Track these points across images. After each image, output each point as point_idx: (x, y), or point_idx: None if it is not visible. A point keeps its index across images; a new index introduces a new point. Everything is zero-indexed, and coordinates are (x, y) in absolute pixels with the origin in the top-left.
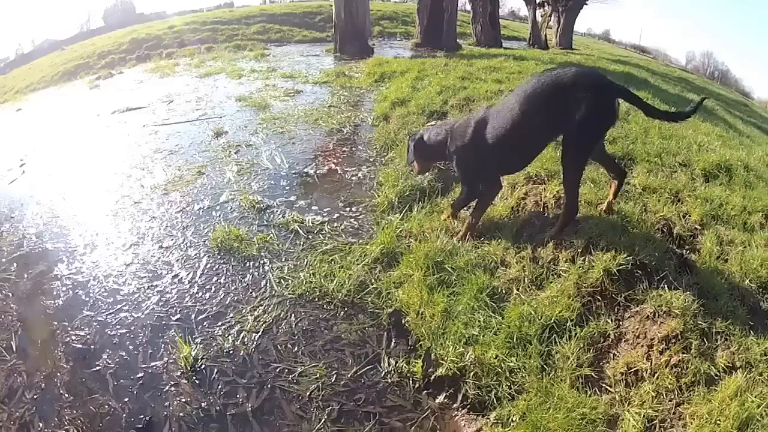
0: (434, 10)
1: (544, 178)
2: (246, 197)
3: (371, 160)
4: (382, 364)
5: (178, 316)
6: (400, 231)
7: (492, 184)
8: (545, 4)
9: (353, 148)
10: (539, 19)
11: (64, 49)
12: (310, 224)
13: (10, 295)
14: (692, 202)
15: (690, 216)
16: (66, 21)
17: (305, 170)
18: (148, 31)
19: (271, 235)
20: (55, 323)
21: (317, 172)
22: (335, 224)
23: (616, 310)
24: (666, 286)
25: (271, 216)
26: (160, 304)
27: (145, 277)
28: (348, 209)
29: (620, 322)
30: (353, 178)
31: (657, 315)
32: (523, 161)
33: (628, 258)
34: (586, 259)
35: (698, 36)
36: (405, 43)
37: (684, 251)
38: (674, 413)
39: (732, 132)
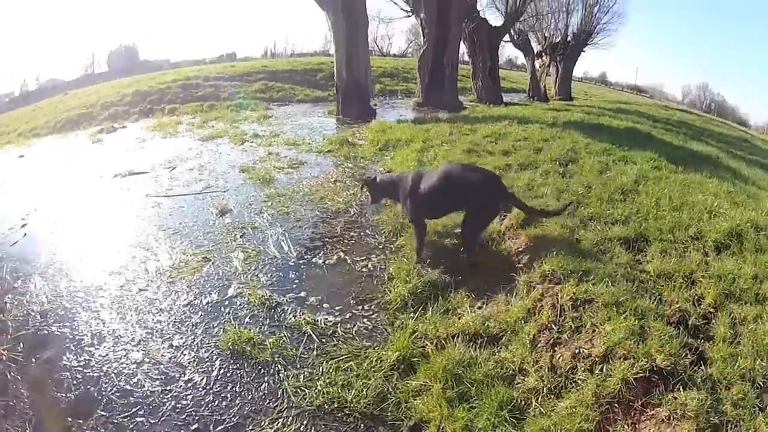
0: (435, 67)
1: (560, 277)
2: (255, 292)
3: (380, 247)
4: None
5: (196, 425)
6: (416, 334)
7: (420, 225)
8: (543, 54)
9: (361, 233)
10: (537, 68)
11: (67, 93)
12: (323, 325)
13: (19, 378)
14: (706, 283)
15: (704, 299)
16: (70, 61)
17: (314, 260)
18: (151, 84)
19: (284, 338)
20: (70, 419)
21: (326, 262)
22: (348, 325)
23: (632, 414)
24: (681, 387)
25: (282, 315)
26: (177, 410)
27: (158, 379)
28: (360, 307)
29: (636, 426)
30: (363, 269)
31: (672, 418)
32: (438, 214)
33: (645, 366)
34: (604, 368)
35: (693, 66)
36: (407, 102)
37: (699, 341)
38: None
39: (738, 183)
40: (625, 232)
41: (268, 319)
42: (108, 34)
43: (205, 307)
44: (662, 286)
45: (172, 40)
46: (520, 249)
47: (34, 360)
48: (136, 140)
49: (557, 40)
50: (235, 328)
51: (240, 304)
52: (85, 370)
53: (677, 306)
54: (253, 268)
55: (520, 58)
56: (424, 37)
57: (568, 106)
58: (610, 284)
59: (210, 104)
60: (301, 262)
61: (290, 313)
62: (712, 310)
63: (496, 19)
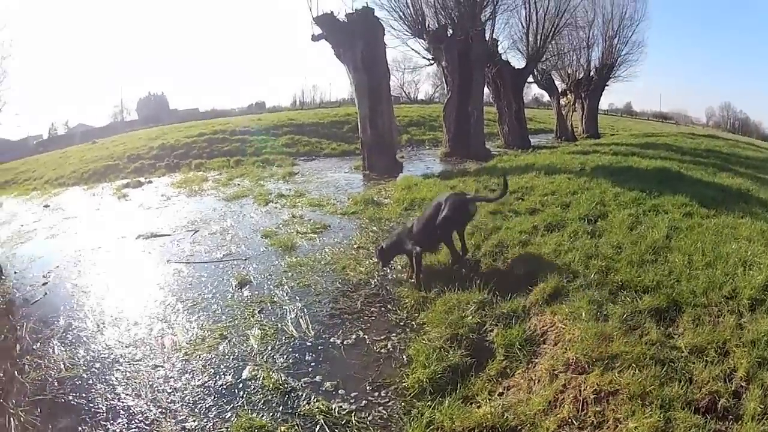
0: (460, 115)
1: (584, 366)
2: (269, 375)
3: (401, 324)
4: None
5: None
6: (431, 426)
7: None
8: (568, 92)
9: (382, 308)
10: (563, 103)
11: (95, 142)
12: (337, 414)
13: None
14: (739, 352)
15: (736, 372)
16: (100, 107)
17: (332, 339)
18: (178, 137)
19: (296, 427)
20: None
21: (344, 341)
22: (362, 414)
23: None
24: None
25: (296, 401)
26: None
27: None
28: (377, 393)
29: None
30: (382, 350)
31: None
32: (431, 244)
33: None
34: None
35: (714, 87)
36: (434, 152)
37: (727, 425)
38: None
39: None
40: (656, 302)
41: (281, 406)
42: (138, 80)
43: (219, 389)
44: (693, 364)
45: (203, 88)
46: (546, 328)
47: (50, 427)
48: (161, 198)
49: (580, 76)
50: (248, 414)
51: (254, 388)
52: None
53: (707, 388)
54: (269, 348)
55: (546, 96)
56: (447, 86)
57: (595, 145)
58: (637, 371)
59: (236, 159)
60: (319, 342)
61: (304, 400)
62: (743, 384)
63: (518, 61)
